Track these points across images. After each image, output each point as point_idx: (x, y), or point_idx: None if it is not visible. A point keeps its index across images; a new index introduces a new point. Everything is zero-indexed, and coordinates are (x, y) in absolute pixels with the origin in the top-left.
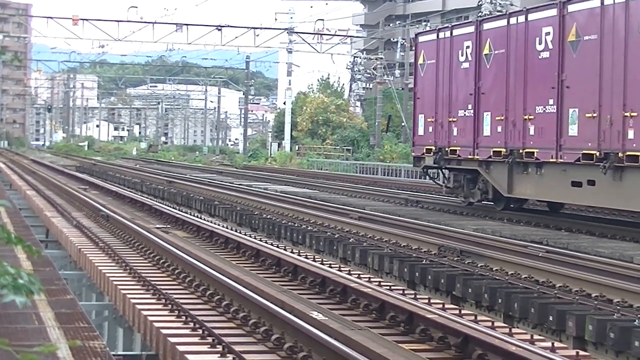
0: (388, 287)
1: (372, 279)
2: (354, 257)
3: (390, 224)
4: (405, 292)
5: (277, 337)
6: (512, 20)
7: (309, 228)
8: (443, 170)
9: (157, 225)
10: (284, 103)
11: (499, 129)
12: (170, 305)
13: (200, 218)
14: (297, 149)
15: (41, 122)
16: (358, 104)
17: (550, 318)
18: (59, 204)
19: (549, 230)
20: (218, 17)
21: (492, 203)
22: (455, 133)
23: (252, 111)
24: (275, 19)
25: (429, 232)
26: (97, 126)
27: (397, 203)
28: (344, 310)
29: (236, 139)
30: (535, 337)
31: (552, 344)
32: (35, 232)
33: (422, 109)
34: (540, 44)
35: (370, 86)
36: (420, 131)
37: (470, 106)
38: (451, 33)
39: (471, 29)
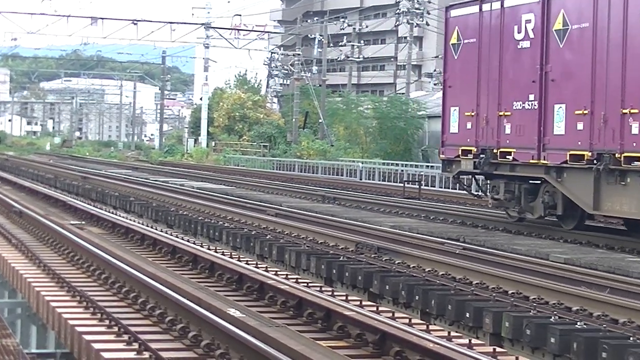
0: (305, 284)
1: (289, 276)
2: (271, 253)
3: (307, 220)
4: (323, 289)
5: (194, 334)
6: None
7: (225, 225)
8: (480, 177)
9: (72, 222)
10: (201, 99)
11: (580, 126)
12: (85, 303)
13: (116, 214)
14: (213, 145)
15: None
16: (275, 100)
17: (468, 315)
18: None
19: (466, 228)
20: (134, 11)
21: (557, 220)
22: (507, 131)
23: (168, 107)
24: (192, 14)
25: (346, 229)
26: (10, 121)
27: (314, 200)
28: (261, 307)
29: (152, 135)
30: (453, 334)
31: (470, 340)
32: None
33: (456, 100)
34: None
35: (288, 82)
36: (453, 128)
37: (532, 96)
38: (502, 4)
39: None
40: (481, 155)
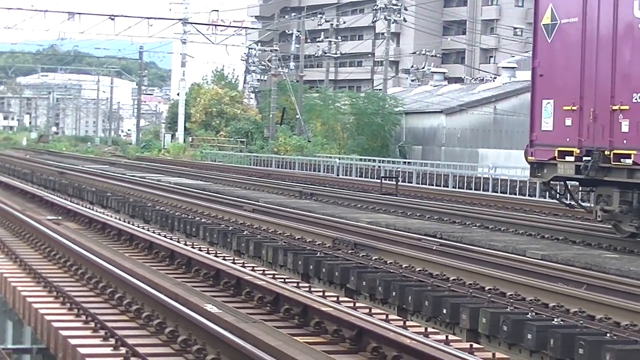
0: (282, 280)
1: (266, 272)
2: (248, 249)
3: (284, 216)
4: (300, 284)
5: (171, 330)
6: None
7: (202, 220)
8: (570, 183)
9: (49, 217)
10: (178, 94)
11: None
12: (61, 298)
13: (93, 210)
14: (190, 140)
15: None
16: (252, 95)
17: (444, 311)
18: None
19: (443, 224)
20: (111, 7)
21: None
22: (624, 129)
23: (145, 102)
24: (170, 9)
25: (323, 224)
26: None
27: (291, 195)
28: (238, 303)
29: (129, 130)
30: (430, 330)
31: (446, 336)
32: None
33: (550, 91)
34: None
35: (265, 78)
36: (546, 125)
37: None
38: None
39: None
40: (586, 158)
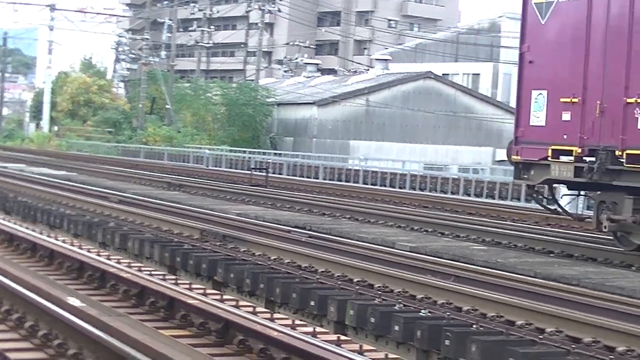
0: (148, 273)
1: (132, 264)
2: (114, 241)
3: (151, 207)
4: (166, 277)
5: (31, 324)
6: None
7: (66, 212)
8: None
9: None
10: (44, 82)
11: None
12: None
13: None
14: (56, 130)
15: None
16: (122, 85)
17: (312, 303)
18: None
19: (313, 216)
20: None
21: None
22: None
23: (8, 89)
24: None
25: (191, 216)
26: None
27: (159, 187)
28: (102, 296)
29: None
30: (297, 322)
31: (314, 329)
32: None
33: (543, 80)
34: None
35: (135, 67)
36: (537, 119)
37: None
38: None
39: None
40: (589, 159)
